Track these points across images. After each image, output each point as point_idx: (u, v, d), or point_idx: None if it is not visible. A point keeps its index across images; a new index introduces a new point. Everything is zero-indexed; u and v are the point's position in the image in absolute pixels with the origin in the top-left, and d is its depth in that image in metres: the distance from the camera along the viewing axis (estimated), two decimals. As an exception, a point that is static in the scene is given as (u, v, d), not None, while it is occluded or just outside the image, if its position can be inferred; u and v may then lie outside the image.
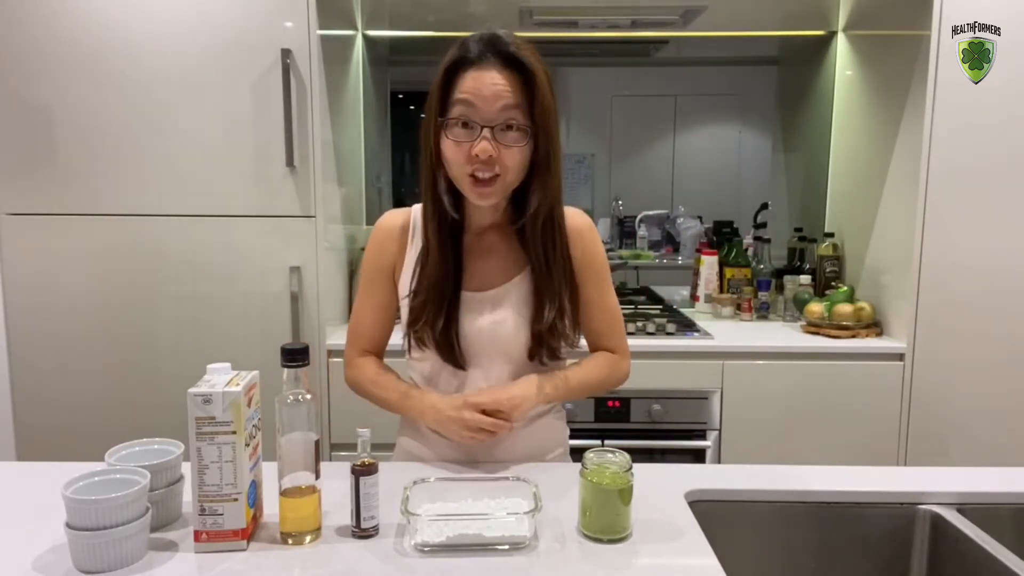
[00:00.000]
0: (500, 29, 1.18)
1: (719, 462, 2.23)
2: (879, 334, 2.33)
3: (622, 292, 2.89)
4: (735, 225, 2.90)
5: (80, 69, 2.08)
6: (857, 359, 2.22)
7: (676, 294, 2.90)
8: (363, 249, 1.41)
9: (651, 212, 3.26)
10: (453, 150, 1.17)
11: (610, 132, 3.32)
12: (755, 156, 3.19)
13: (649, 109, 3.32)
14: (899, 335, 2.25)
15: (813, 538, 1.22)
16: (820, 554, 1.22)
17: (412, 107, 3.16)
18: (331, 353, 2.20)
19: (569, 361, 1.36)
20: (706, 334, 2.32)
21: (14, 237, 2.14)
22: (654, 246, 3.25)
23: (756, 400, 2.22)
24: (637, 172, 3.34)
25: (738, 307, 2.61)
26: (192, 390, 0.96)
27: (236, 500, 0.98)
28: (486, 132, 1.15)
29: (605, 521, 1.03)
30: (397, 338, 1.35)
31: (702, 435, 2.23)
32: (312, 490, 1.02)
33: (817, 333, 2.35)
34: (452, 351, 1.26)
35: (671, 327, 2.33)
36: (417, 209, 1.32)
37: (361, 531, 1.03)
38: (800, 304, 2.51)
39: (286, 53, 2.07)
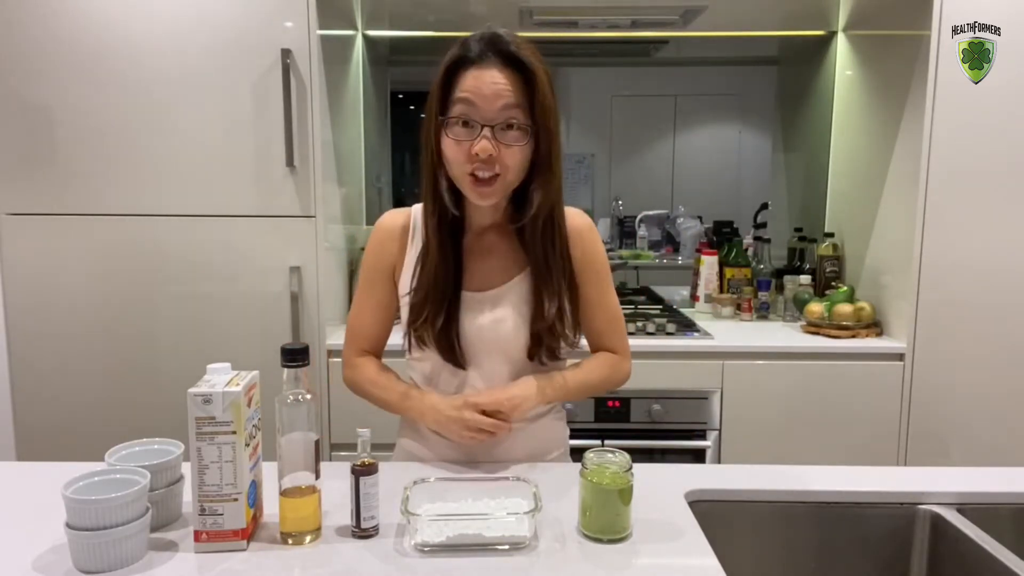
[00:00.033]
0: (501, 28, 1.18)
1: (719, 462, 2.23)
2: (879, 334, 2.33)
3: (622, 292, 2.89)
4: (735, 225, 2.90)
5: (80, 69, 2.08)
6: (857, 359, 2.22)
7: (676, 294, 2.90)
8: (363, 249, 1.41)
9: (651, 212, 3.26)
10: (453, 149, 1.17)
11: (610, 132, 3.32)
12: (755, 156, 3.19)
13: (649, 109, 3.32)
14: (899, 335, 2.25)
15: (813, 538, 1.22)
16: (820, 554, 1.22)
17: (412, 107, 3.16)
18: (331, 353, 2.20)
19: (570, 361, 1.36)
20: (706, 334, 2.32)
21: (14, 237, 2.14)
22: (654, 246, 3.25)
23: (756, 400, 2.22)
24: (637, 172, 3.34)
25: (738, 307, 2.61)
26: (192, 390, 0.96)
27: (236, 500, 0.98)
28: (486, 131, 1.15)
29: (605, 521, 1.03)
30: (396, 338, 1.35)
31: (702, 435, 2.23)
32: (312, 490, 1.02)
33: (817, 333, 2.35)
34: (452, 350, 1.26)
35: (671, 327, 2.33)
36: (417, 209, 1.32)
37: (361, 531, 1.03)
38: (800, 304, 2.51)
39: (286, 53, 2.07)
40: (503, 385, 1.27)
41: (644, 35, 2.86)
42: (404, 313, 1.30)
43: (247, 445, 0.99)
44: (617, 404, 2.21)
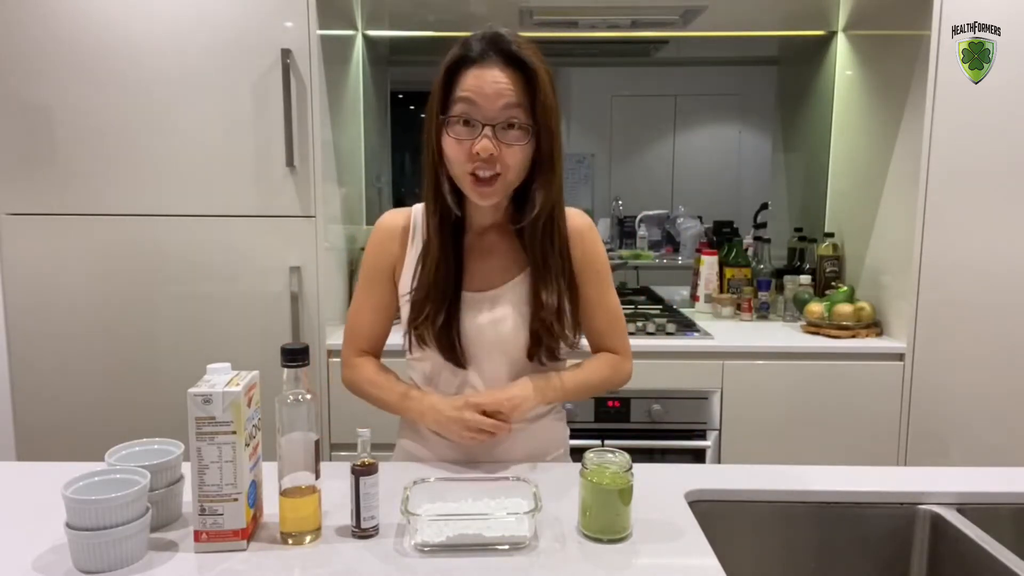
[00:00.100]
0: (502, 28, 1.18)
1: (719, 462, 2.23)
2: (879, 334, 2.33)
3: (622, 292, 2.89)
4: (735, 225, 2.90)
5: (80, 69, 2.08)
6: (857, 359, 2.22)
7: (676, 294, 2.90)
8: (363, 249, 1.41)
9: (651, 212, 3.26)
10: (454, 148, 1.17)
11: (610, 132, 3.32)
12: (755, 156, 3.19)
13: (649, 109, 3.32)
14: (899, 335, 2.25)
15: (813, 538, 1.22)
16: (820, 554, 1.22)
17: (412, 107, 3.16)
18: (331, 353, 2.20)
19: (570, 362, 1.36)
20: (706, 334, 2.32)
21: (14, 237, 2.14)
22: (654, 246, 3.25)
23: (756, 400, 2.22)
24: (637, 172, 3.34)
25: (738, 307, 2.61)
26: (192, 390, 0.96)
27: (236, 500, 0.97)
28: (487, 130, 1.14)
29: (605, 521, 1.03)
30: (396, 338, 1.35)
31: (702, 435, 2.23)
32: (312, 490, 1.02)
33: (817, 333, 2.35)
34: (453, 349, 1.26)
35: (671, 327, 2.33)
36: (417, 209, 1.32)
37: (361, 531, 1.03)
38: (800, 304, 2.51)
39: (286, 53, 2.07)
40: (503, 385, 1.27)
41: (644, 35, 2.86)
42: (404, 312, 1.30)
43: (247, 445, 0.99)
44: (617, 404, 2.21)
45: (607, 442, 2.08)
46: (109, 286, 2.16)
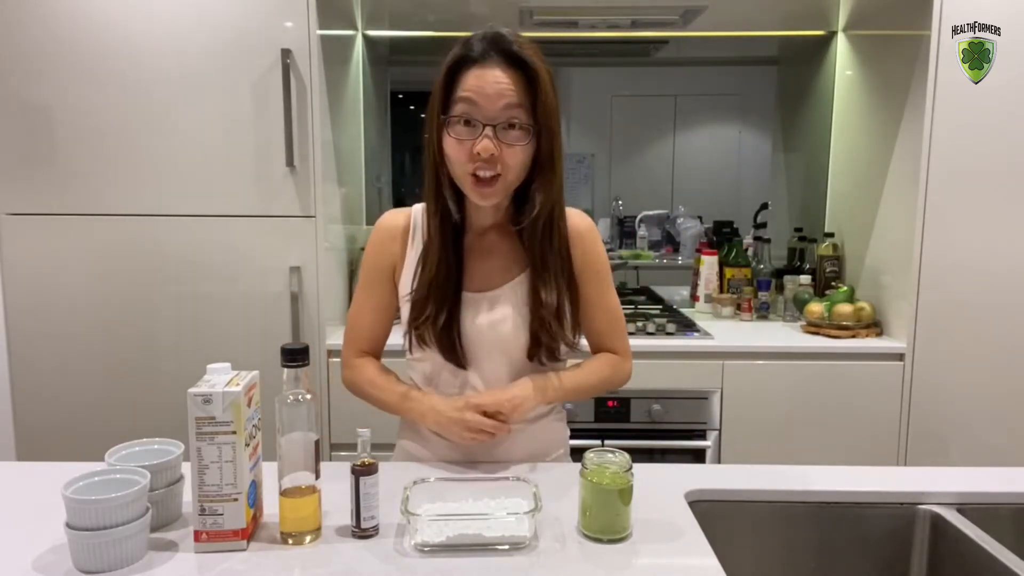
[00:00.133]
0: (503, 28, 1.17)
1: (719, 462, 2.23)
2: (879, 334, 2.33)
3: (622, 292, 2.89)
4: (735, 225, 2.90)
5: (80, 69, 2.08)
6: (857, 359, 2.22)
7: (676, 294, 2.90)
8: (363, 249, 1.40)
9: (651, 212, 3.26)
10: (455, 148, 1.17)
11: (610, 132, 3.32)
12: (755, 156, 3.19)
13: (649, 109, 3.32)
14: (899, 335, 2.25)
15: (813, 538, 1.22)
16: (820, 554, 1.22)
17: (412, 107, 3.16)
18: (331, 353, 2.20)
19: (571, 362, 1.36)
20: (706, 334, 2.32)
21: (14, 237, 2.14)
22: (654, 246, 3.25)
23: (756, 400, 2.22)
24: (637, 172, 3.34)
25: (738, 307, 2.61)
26: (192, 390, 0.96)
27: (236, 500, 0.97)
28: (488, 130, 1.14)
29: (605, 521, 1.03)
30: (396, 338, 1.35)
31: (702, 435, 2.23)
32: (312, 490, 1.02)
33: (817, 333, 2.35)
34: (453, 349, 1.25)
35: (671, 327, 2.33)
36: (418, 209, 1.32)
37: (361, 531, 1.03)
38: (800, 304, 2.51)
39: (286, 53, 2.07)
40: (503, 385, 1.27)
41: (644, 35, 2.86)
42: (404, 313, 1.30)
43: (247, 445, 0.99)
44: (617, 404, 2.21)
45: (607, 442, 2.08)
46: (109, 286, 2.16)
